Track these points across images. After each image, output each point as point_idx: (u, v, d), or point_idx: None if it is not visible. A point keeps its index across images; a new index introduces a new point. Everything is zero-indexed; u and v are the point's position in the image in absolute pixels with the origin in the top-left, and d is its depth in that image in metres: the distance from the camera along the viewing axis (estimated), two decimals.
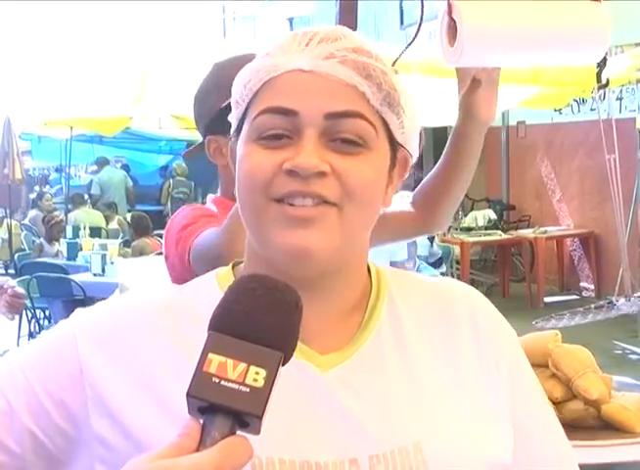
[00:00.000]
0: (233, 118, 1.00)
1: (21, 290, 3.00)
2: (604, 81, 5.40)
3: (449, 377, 0.98)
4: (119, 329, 0.96)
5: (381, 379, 0.96)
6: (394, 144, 0.98)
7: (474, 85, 1.70)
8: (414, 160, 1.04)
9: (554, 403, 2.54)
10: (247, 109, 0.96)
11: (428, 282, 1.09)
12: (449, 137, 1.81)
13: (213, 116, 1.80)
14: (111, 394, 0.92)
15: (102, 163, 14.70)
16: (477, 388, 0.99)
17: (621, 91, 9.07)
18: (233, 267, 1.04)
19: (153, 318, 0.97)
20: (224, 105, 1.54)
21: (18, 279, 6.59)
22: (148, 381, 0.93)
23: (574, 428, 2.52)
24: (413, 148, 1.02)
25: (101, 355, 0.94)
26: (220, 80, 1.69)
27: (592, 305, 7.02)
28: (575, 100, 9.42)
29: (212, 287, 1.00)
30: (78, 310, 1.02)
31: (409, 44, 1.60)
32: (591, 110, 9.18)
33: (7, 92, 9.69)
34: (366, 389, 0.94)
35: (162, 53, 8.41)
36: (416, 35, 1.63)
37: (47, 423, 0.92)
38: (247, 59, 1.01)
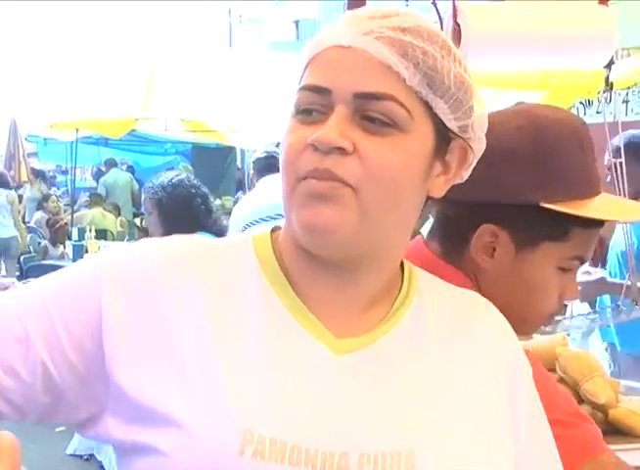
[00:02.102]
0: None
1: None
2: (610, 85, 5.39)
3: (459, 395, 0.97)
4: (145, 278, 0.95)
5: (390, 377, 0.95)
6: (443, 130, 0.95)
7: None
8: (477, 153, 1.00)
9: None
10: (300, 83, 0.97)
11: (460, 292, 1.08)
12: None
13: (515, 204, 1.29)
14: (125, 343, 0.92)
15: (110, 164, 14.71)
16: (485, 413, 0.98)
17: (627, 94, 9.05)
18: (272, 232, 1.03)
19: (184, 268, 0.96)
20: (540, 202, 1.26)
21: (23, 281, 6.59)
22: (165, 337, 0.92)
23: None
24: (474, 139, 0.99)
25: (123, 303, 0.93)
26: (550, 160, 1.30)
27: (592, 311, 6.99)
28: (581, 102, 9.39)
29: (248, 252, 1.00)
30: (109, 250, 1.02)
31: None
32: (597, 112, 9.15)
33: (13, 94, 9.72)
34: (374, 383, 0.93)
35: (169, 55, 8.42)
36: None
37: (60, 356, 0.92)
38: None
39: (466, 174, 1.02)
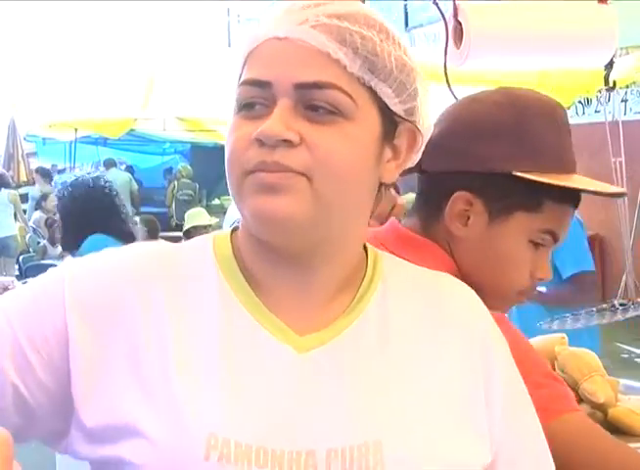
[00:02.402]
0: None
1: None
2: (611, 84, 5.38)
3: (428, 379, 0.96)
4: (107, 289, 0.94)
5: (355, 370, 0.93)
6: (389, 114, 0.94)
7: None
8: (425, 135, 1.00)
9: None
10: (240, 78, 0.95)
11: (428, 275, 1.06)
12: None
13: (490, 173, 1.34)
14: (90, 359, 0.91)
15: (109, 164, 14.71)
16: (457, 394, 0.96)
17: (626, 93, 9.05)
18: (232, 232, 1.02)
19: (143, 276, 0.95)
20: (514, 172, 1.31)
21: (22, 281, 6.58)
22: (129, 347, 0.92)
23: None
24: (422, 121, 0.98)
25: (86, 321, 0.93)
26: (526, 132, 1.35)
27: (594, 308, 6.99)
28: (580, 102, 9.40)
29: (207, 251, 0.99)
30: (69, 261, 1.01)
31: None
32: (596, 112, 9.16)
33: (12, 94, 9.72)
34: (339, 377, 0.92)
35: (167, 55, 8.43)
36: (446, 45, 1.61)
37: (30, 377, 0.92)
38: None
39: (416, 158, 1.01)
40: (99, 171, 3.89)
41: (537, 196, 1.33)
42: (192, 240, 1.05)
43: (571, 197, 1.38)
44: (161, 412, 0.89)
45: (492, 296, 1.27)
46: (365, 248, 1.03)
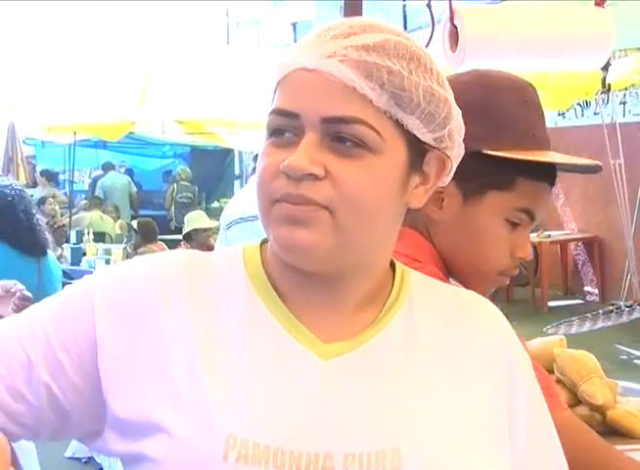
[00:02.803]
0: None
1: (28, 293, 2.99)
2: (607, 87, 5.39)
3: (450, 391, 0.97)
4: (136, 294, 0.98)
5: (377, 379, 0.95)
6: (417, 144, 0.95)
7: None
8: (456, 160, 1.00)
9: None
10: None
11: (453, 292, 1.08)
12: None
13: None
14: (119, 360, 0.95)
15: (107, 167, 14.71)
16: (477, 408, 0.98)
17: (625, 95, 9.06)
18: (261, 244, 1.04)
19: (173, 285, 0.98)
20: (485, 150, 1.32)
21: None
22: (154, 351, 0.95)
23: None
24: (451, 147, 0.98)
25: (113, 322, 0.96)
26: (496, 110, 1.36)
27: (601, 311, 6.99)
28: (579, 104, 9.41)
29: (237, 262, 1.01)
30: (102, 268, 1.05)
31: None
32: (595, 114, 9.17)
33: (10, 97, 9.71)
34: (360, 386, 0.94)
35: (166, 57, 8.42)
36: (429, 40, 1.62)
37: (62, 377, 0.95)
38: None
39: (447, 180, 1.01)
40: (6, 181, 3.78)
41: (509, 174, 1.32)
42: (221, 251, 1.10)
43: (545, 174, 1.37)
44: (185, 411, 0.91)
45: (474, 277, 1.32)
46: (393, 264, 1.04)
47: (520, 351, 1.06)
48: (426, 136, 0.95)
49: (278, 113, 0.93)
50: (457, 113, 0.98)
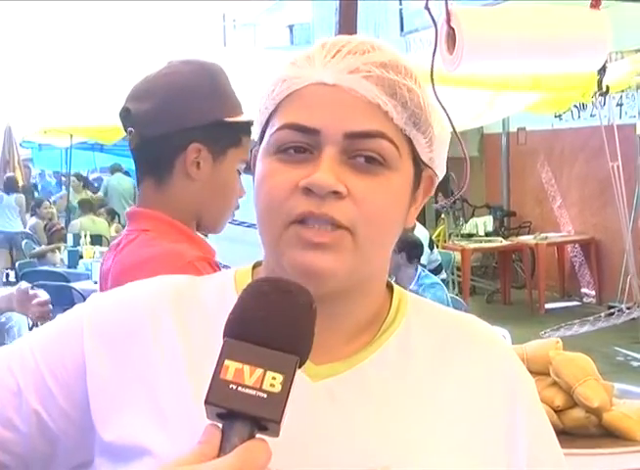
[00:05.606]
0: (256, 126, 0.98)
1: (44, 295, 2.94)
2: (604, 89, 5.39)
3: (443, 412, 0.95)
4: (124, 320, 0.97)
5: (370, 399, 0.93)
6: (419, 163, 0.95)
7: None
8: (440, 179, 1.00)
9: (555, 411, 2.53)
10: (269, 118, 0.94)
11: (450, 315, 1.06)
12: None
13: (207, 124, 1.72)
14: (107, 386, 0.94)
15: (114, 169, 14.70)
16: (472, 430, 0.95)
17: (621, 97, 9.07)
18: (253, 268, 1.02)
19: (161, 310, 0.97)
20: (223, 118, 1.71)
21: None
22: (144, 378, 0.93)
23: (576, 436, 2.51)
24: (440, 166, 0.98)
25: (103, 348, 0.95)
26: (219, 88, 1.75)
27: (602, 314, 6.99)
28: (576, 106, 9.42)
29: (228, 286, 1.00)
30: (94, 295, 1.04)
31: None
32: (591, 116, 9.18)
33: (7, 100, 9.71)
34: (351, 407, 0.92)
35: (162, 60, 8.43)
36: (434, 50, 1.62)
37: (52, 404, 0.95)
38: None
39: (426, 199, 1.01)
40: None
41: (237, 134, 1.73)
42: (213, 275, 1.07)
43: (249, 131, 1.75)
44: (172, 432, 0.90)
45: (217, 219, 1.78)
46: (391, 287, 1.03)
47: (521, 372, 1.04)
48: (426, 156, 0.95)
49: (294, 128, 0.89)
50: (447, 133, 0.98)
